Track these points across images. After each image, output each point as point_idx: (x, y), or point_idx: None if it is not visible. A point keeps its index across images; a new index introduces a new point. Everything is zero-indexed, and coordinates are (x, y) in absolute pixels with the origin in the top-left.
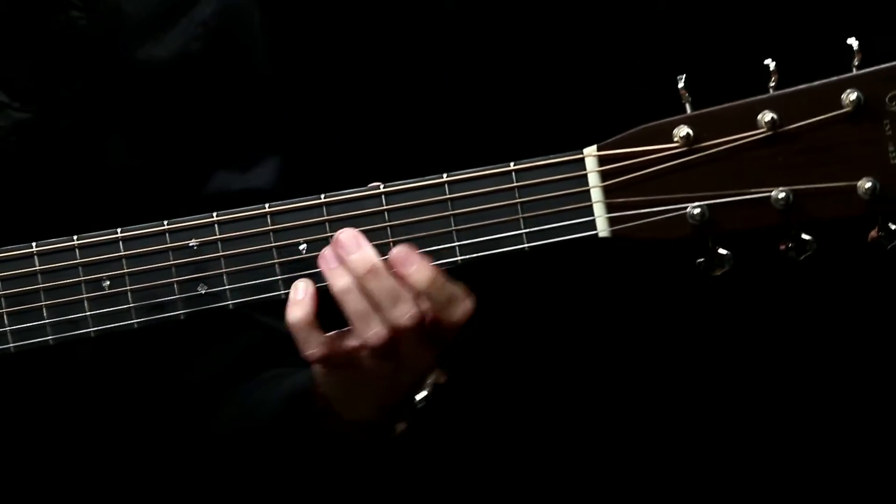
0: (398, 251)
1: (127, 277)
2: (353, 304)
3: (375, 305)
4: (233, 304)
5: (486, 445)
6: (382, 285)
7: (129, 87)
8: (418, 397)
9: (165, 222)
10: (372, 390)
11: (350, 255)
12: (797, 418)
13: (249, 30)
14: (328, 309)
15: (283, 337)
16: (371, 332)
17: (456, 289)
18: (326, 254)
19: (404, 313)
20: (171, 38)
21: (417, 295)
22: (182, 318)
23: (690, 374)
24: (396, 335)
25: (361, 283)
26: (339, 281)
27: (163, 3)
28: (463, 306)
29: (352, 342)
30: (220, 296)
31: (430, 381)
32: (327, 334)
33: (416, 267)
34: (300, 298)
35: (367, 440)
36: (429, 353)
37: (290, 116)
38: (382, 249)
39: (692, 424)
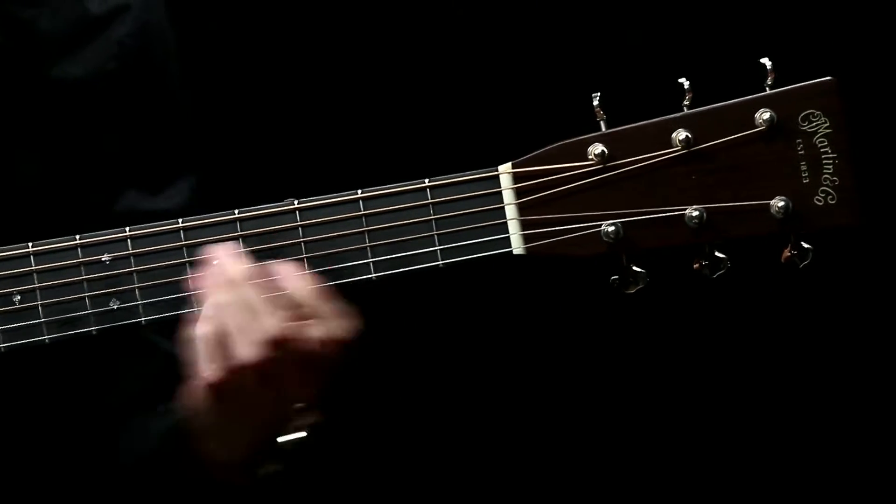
0: (276, 264)
1: (38, 292)
2: (230, 318)
3: (251, 315)
4: (145, 320)
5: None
6: (253, 295)
7: (43, 103)
8: (290, 437)
9: (78, 237)
10: (251, 423)
11: (224, 269)
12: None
13: (164, 50)
14: None
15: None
16: (245, 349)
17: (335, 306)
18: (206, 273)
19: (276, 322)
20: (86, 56)
21: (292, 305)
22: (94, 333)
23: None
24: (272, 350)
25: (236, 295)
26: (216, 297)
27: (79, 22)
28: (338, 324)
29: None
30: (132, 311)
31: (305, 421)
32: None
33: (293, 278)
34: (211, 314)
35: (233, 480)
36: (311, 379)
37: (205, 137)
38: (297, 265)
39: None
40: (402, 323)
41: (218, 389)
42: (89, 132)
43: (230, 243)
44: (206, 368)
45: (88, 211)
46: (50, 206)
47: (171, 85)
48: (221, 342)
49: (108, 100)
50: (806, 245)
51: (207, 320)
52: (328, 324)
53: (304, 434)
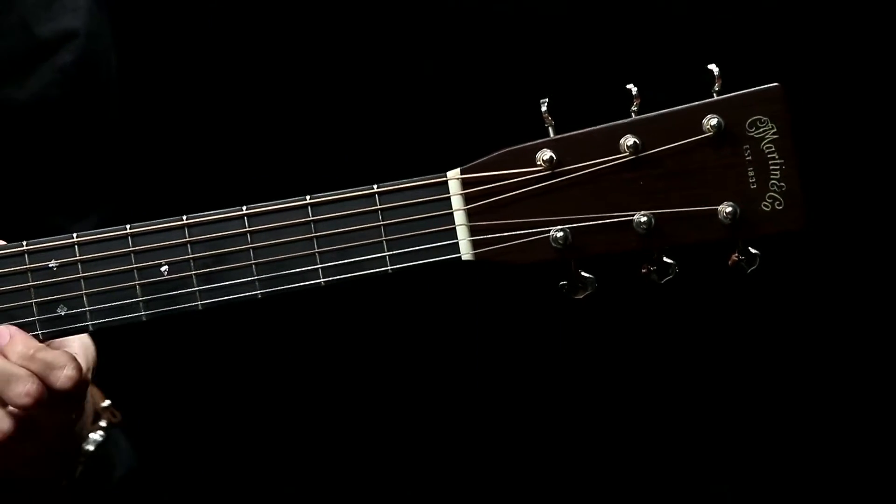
0: None
1: None
2: None
3: None
4: (93, 325)
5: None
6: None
7: None
8: (90, 442)
9: (24, 243)
10: (33, 454)
11: None
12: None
13: (106, 79)
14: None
15: None
16: None
17: (56, 355)
18: None
19: (21, 392)
20: (31, 82)
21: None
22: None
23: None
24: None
25: None
26: None
27: (25, 47)
28: (65, 372)
29: None
30: (80, 317)
31: (101, 423)
32: None
33: (9, 339)
34: None
35: (41, 492)
36: (57, 416)
37: (126, 168)
38: (245, 272)
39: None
40: (359, 328)
41: None
42: (24, 155)
43: None
44: None
45: (19, 228)
46: None
47: (108, 114)
48: None
49: (46, 126)
50: (753, 250)
51: None
52: (52, 374)
53: (101, 434)
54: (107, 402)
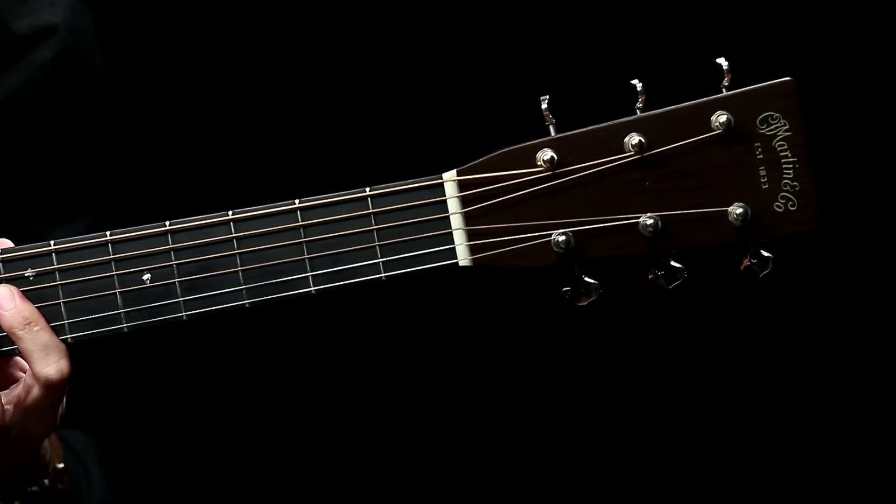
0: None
1: None
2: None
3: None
4: (71, 337)
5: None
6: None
7: None
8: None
9: None
10: None
11: None
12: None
13: (90, 75)
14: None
15: None
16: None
17: (57, 342)
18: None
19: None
20: (8, 79)
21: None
22: (18, 352)
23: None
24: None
25: None
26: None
27: (2, 44)
28: (59, 363)
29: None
30: (58, 330)
31: (51, 468)
32: None
33: (13, 306)
34: None
35: None
36: (47, 420)
37: (114, 173)
38: (232, 279)
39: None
40: (352, 337)
41: None
42: (2, 156)
43: None
44: None
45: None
46: None
47: (93, 114)
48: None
49: (26, 126)
50: (766, 253)
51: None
52: (45, 358)
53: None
54: (60, 465)
